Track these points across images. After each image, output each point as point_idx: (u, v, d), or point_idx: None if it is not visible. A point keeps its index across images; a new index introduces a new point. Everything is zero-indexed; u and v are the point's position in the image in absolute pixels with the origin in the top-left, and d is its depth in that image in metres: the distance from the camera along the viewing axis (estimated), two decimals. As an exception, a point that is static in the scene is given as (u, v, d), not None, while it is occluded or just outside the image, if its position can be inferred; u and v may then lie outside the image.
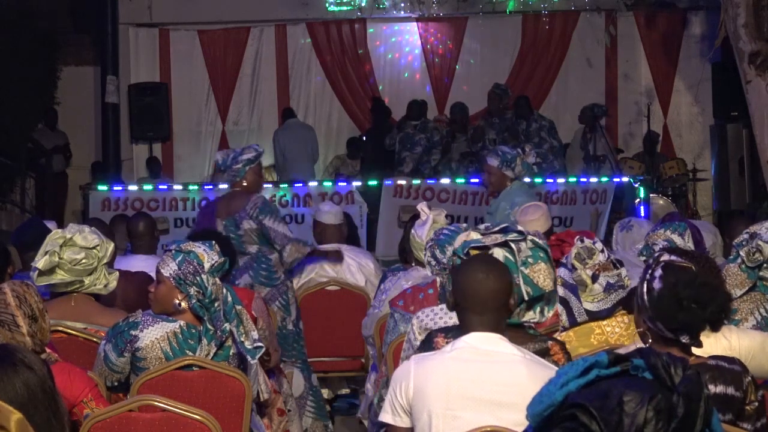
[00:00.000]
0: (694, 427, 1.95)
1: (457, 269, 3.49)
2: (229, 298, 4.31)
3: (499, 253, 3.51)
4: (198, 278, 4.24)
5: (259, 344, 4.32)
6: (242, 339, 4.28)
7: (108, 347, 4.30)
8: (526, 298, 3.47)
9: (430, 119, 14.10)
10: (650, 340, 3.42)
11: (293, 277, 7.13)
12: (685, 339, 3.32)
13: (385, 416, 3.23)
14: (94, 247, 4.68)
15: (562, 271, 4.10)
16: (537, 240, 3.56)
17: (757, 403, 3.30)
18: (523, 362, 3.17)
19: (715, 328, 3.39)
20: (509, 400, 3.11)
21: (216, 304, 4.26)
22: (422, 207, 5.52)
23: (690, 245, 4.73)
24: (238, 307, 4.31)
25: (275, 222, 6.72)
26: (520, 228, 3.63)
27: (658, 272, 3.44)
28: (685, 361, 2.00)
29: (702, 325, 3.32)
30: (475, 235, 3.65)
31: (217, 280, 4.30)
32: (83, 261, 4.66)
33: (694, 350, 3.37)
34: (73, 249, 4.65)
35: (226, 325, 4.26)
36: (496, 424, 3.09)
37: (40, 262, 4.62)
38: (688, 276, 3.45)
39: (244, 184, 6.86)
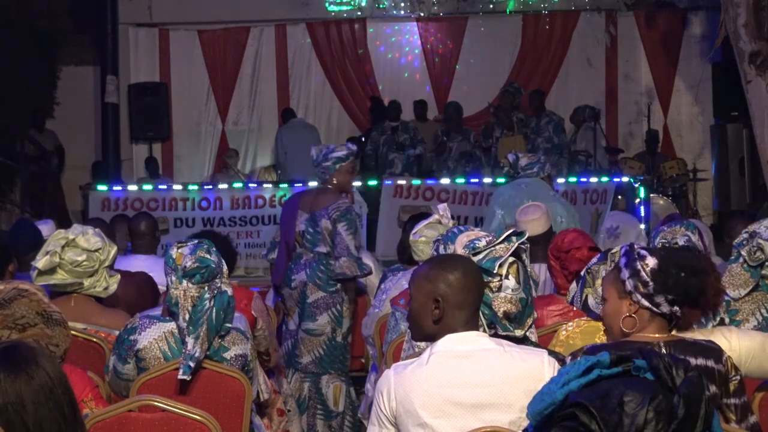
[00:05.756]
0: (694, 428, 1.95)
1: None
2: (207, 305, 4.16)
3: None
4: (168, 279, 4.22)
5: (191, 363, 4.09)
6: (195, 350, 4.10)
7: (114, 359, 4.30)
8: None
9: (430, 119, 14.13)
10: (635, 326, 3.37)
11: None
12: (678, 311, 3.31)
13: (373, 429, 3.21)
14: (96, 250, 4.65)
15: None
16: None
17: (738, 378, 3.33)
18: (502, 357, 3.14)
19: (712, 310, 3.43)
20: (489, 401, 3.10)
21: (181, 309, 4.14)
22: (438, 207, 5.41)
23: (699, 244, 4.74)
24: (213, 319, 4.16)
25: (347, 232, 6.63)
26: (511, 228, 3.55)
27: (643, 252, 3.40)
28: (686, 363, 2.00)
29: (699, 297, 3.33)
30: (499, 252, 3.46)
31: (189, 285, 4.16)
32: (84, 263, 4.64)
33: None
34: (75, 250, 4.64)
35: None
36: (480, 426, 3.08)
37: (41, 261, 4.61)
38: (678, 250, 3.47)
39: (334, 182, 6.81)
